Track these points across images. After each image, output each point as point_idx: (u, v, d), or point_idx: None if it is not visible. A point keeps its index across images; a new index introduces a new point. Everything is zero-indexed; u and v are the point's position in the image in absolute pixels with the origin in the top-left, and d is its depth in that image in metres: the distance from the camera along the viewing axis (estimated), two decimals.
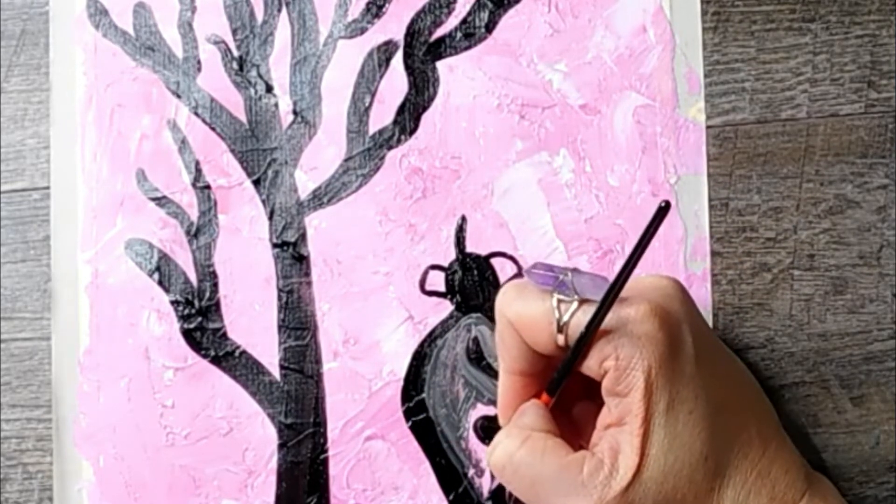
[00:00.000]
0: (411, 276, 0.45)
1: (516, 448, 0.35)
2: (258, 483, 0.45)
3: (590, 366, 0.34)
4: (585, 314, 0.34)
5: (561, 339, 0.34)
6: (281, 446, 0.45)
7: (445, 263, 0.45)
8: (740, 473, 0.34)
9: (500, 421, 0.38)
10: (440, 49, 0.46)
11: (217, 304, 0.46)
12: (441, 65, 0.46)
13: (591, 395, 0.37)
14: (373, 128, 0.46)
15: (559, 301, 0.34)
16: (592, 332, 0.33)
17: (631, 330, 0.33)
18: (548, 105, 0.46)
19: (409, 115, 0.46)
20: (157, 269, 0.46)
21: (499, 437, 0.36)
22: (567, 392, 0.36)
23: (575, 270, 0.35)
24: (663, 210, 0.32)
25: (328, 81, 0.46)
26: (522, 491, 0.36)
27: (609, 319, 0.33)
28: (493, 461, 0.36)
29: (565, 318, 0.34)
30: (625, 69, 0.45)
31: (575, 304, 0.34)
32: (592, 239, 0.45)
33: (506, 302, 0.36)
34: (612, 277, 0.34)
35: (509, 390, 0.37)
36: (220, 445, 0.45)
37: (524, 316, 0.35)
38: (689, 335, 0.34)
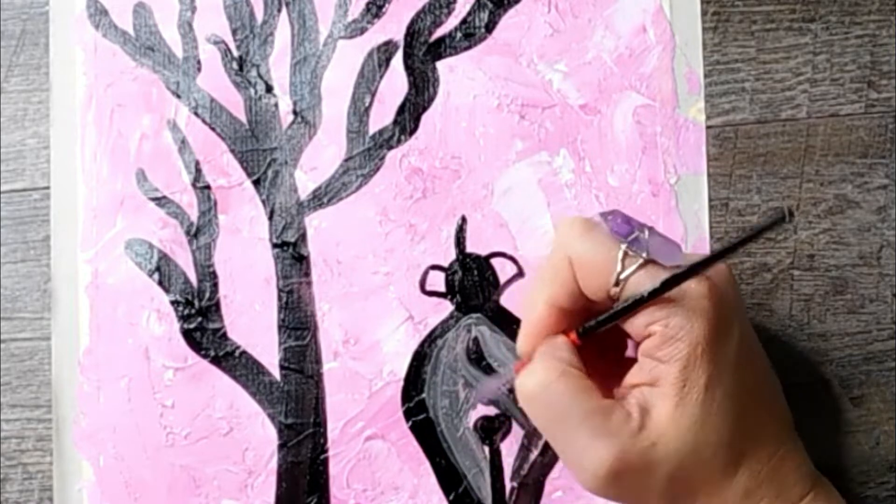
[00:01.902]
0: (411, 276, 0.45)
1: (553, 380, 0.34)
2: (258, 483, 0.45)
3: (635, 325, 0.34)
4: (647, 275, 0.33)
5: (615, 290, 0.34)
6: (281, 446, 0.45)
7: (445, 263, 0.45)
8: (755, 465, 0.34)
9: (520, 347, 0.37)
10: (440, 49, 0.46)
11: (217, 304, 0.46)
12: (441, 65, 0.46)
13: (612, 345, 0.37)
14: (373, 128, 0.46)
15: (626, 254, 0.34)
16: (652, 298, 0.33)
17: (687, 302, 0.33)
18: (548, 105, 0.46)
19: (409, 115, 0.46)
20: (157, 269, 0.46)
21: (534, 367, 0.35)
22: (589, 338, 0.36)
23: (651, 229, 0.34)
24: (782, 220, 0.32)
25: (328, 81, 0.46)
26: (546, 423, 0.35)
27: None
28: (527, 389, 0.35)
29: (626, 273, 0.34)
30: (625, 69, 0.45)
31: (639, 263, 0.34)
32: None
33: (571, 236, 0.35)
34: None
35: (540, 320, 0.36)
36: (220, 445, 0.45)
37: (586, 257, 0.34)
38: (736, 323, 0.34)
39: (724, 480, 0.34)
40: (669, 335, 0.33)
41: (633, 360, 0.36)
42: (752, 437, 0.35)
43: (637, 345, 0.35)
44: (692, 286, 0.33)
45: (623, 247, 0.34)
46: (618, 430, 0.33)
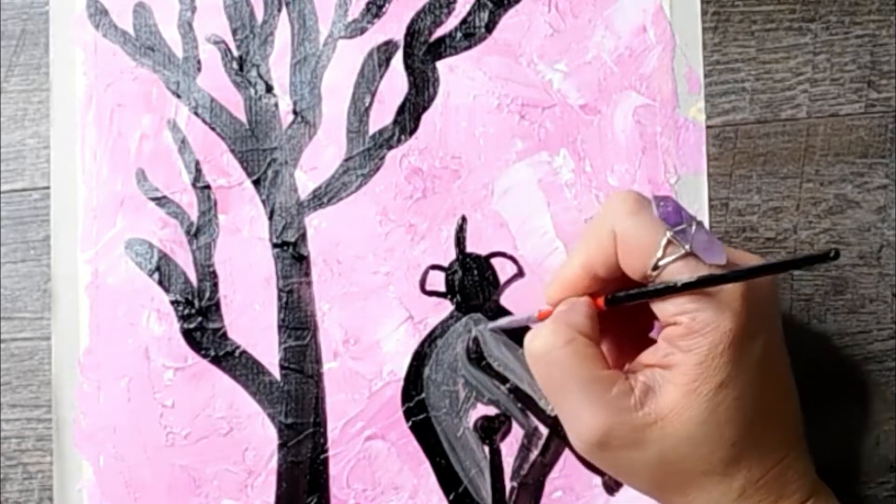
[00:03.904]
0: (411, 276, 0.45)
1: (559, 346, 0.35)
2: (258, 483, 0.45)
3: (664, 309, 0.34)
4: (685, 267, 0.34)
5: (652, 274, 0.34)
6: (281, 446, 0.45)
7: (445, 263, 0.45)
8: (757, 469, 0.34)
9: (547, 295, 0.38)
10: (440, 49, 0.46)
11: (217, 304, 0.46)
12: (441, 65, 0.46)
13: (633, 323, 0.37)
14: (373, 128, 0.46)
15: (669, 242, 0.34)
16: (685, 290, 0.34)
17: (719, 300, 0.33)
18: (548, 105, 0.46)
19: (409, 115, 0.46)
20: (157, 269, 0.46)
21: (544, 328, 0.36)
22: (615, 309, 0.36)
23: (699, 224, 0.35)
24: (829, 258, 0.32)
25: (328, 81, 0.46)
26: (547, 384, 0.36)
27: None
28: (532, 349, 0.36)
29: (665, 261, 0.34)
30: (625, 69, 0.45)
31: (681, 252, 0.34)
32: None
33: (620, 212, 0.36)
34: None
35: (571, 280, 0.37)
36: (220, 445, 0.45)
37: (630, 234, 0.35)
38: (765, 331, 0.34)
39: (720, 479, 0.34)
40: (695, 328, 0.34)
41: (654, 341, 0.36)
42: (758, 443, 0.35)
43: (662, 328, 0.35)
44: (729, 286, 0.34)
45: (668, 234, 0.34)
46: (615, 401, 0.34)
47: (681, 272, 0.34)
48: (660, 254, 0.34)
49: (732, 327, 0.33)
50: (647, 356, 0.36)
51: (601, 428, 0.34)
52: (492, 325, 0.44)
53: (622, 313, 0.37)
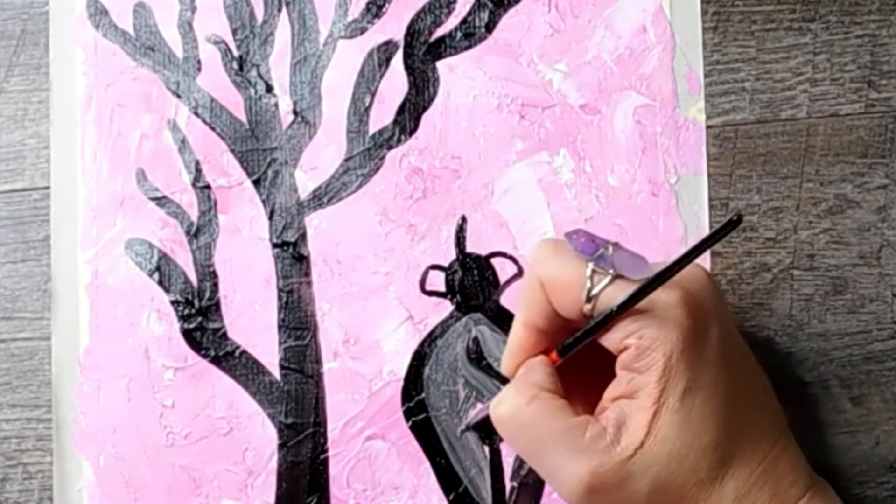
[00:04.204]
0: (411, 276, 0.45)
1: (523, 405, 0.35)
2: (258, 483, 0.45)
3: (611, 339, 0.34)
4: (616, 290, 0.34)
5: (587, 308, 0.34)
6: (281, 446, 0.45)
7: (445, 263, 0.45)
8: (746, 467, 0.34)
9: (503, 369, 0.38)
10: (440, 49, 0.46)
11: (217, 304, 0.46)
12: (441, 65, 0.46)
13: (597, 362, 0.37)
14: (373, 128, 0.46)
15: (593, 271, 0.34)
16: (623, 312, 0.34)
17: (659, 313, 0.34)
18: (548, 105, 0.46)
19: (409, 115, 0.46)
20: (157, 269, 0.46)
21: (506, 392, 0.36)
22: (574, 355, 0.36)
23: (616, 245, 0.35)
24: (734, 223, 0.32)
25: (328, 81, 0.46)
26: (522, 446, 0.36)
27: None
28: (498, 414, 0.36)
29: (596, 290, 0.34)
30: (625, 69, 0.45)
31: (608, 279, 0.34)
32: None
33: (540, 259, 0.36)
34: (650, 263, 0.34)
35: (520, 343, 0.37)
36: (220, 445, 0.45)
37: (555, 278, 0.35)
38: (715, 327, 0.34)
39: (711, 485, 0.34)
40: (644, 346, 0.34)
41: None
42: (740, 438, 0.34)
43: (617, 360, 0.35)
44: (662, 296, 0.34)
45: (590, 265, 0.34)
46: (592, 446, 0.34)
47: (613, 297, 0.34)
48: (588, 285, 0.34)
49: (680, 333, 0.33)
50: (611, 391, 0.35)
51: (585, 475, 0.34)
52: (467, 423, 0.44)
53: (581, 359, 0.37)
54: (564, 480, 0.34)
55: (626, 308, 0.34)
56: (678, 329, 0.33)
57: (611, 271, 0.34)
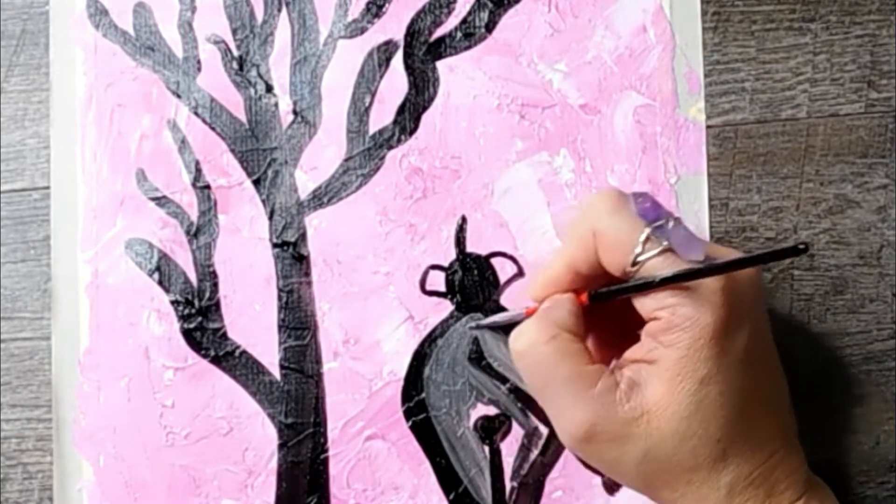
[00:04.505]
0: (411, 276, 0.45)
1: (542, 342, 0.35)
2: (258, 483, 0.45)
3: (645, 304, 0.35)
4: (664, 262, 0.34)
5: (631, 270, 0.35)
6: (281, 446, 0.45)
7: (445, 263, 0.45)
8: (745, 466, 0.34)
9: (531, 293, 0.38)
10: (440, 49, 0.46)
11: (217, 304, 0.46)
12: (441, 65, 0.46)
13: (622, 318, 0.37)
14: (373, 128, 0.46)
15: (647, 238, 0.34)
16: (663, 286, 0.34)
17: (699, 294, 0.34)
18: (548, 105, 0.46)
19: (409, 115, 0.46)
20: (157, 269, 0.46)
21: (528, 326, 0.36)
22: (600, 305, 0.37)
23: (677, 220, 0.35)
24: (801, 251, 0.32)
25: (328, 81, 0.46)
26: (532, 381, 0.36)
27: None
28: (515, 346, 0.36)
29: (644, 257, 0.34)
30: (625, 69, 0.45)
31: (659, 249, 0.34)
32: None
33: (599, 211, 0.36)
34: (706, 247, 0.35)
35: (555, 277, 0.37)
36: (220, 445, 0.45)
37: (609, 233, 0.35)
38: (748, 324, 0.34)
39: (708, 474, 0.34)
40: (675, 323, 0.34)
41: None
42: (745, 438, 0.34)
43: (646, 323, 0.35)
44: (707, 279, 0.34)
45: (647, 231, 0.34)
46: (600, 396, 0.34)
47: (660, 268, 0.34)
48: (639, 249, 0.34)
49: (712, 321, 0.33)
50: (632, 352, 0.36)
51: (586, 422, 0.34)
52: (479, 322, 0.44)
53: (608, 310, 0.38)
54: (566, 423, 0.35)
55: (666, 283, 0.34)
56: (713, 315, 0.33)
57: (664, 243, 0.34)
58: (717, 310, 0.34)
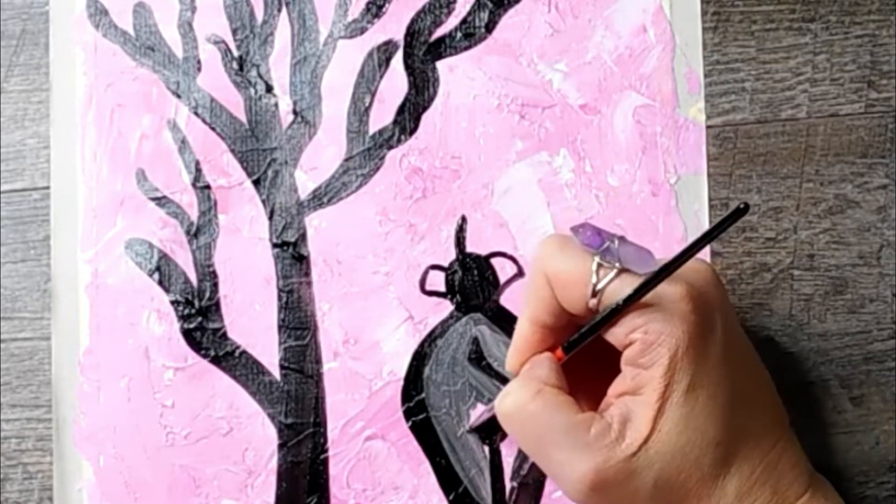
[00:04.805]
0: (411, 276, 0.45)
1: (528, 400, 0.35)
2: (258, 483, 0.45)
3: (616, 334, 0.34)
4: (622, 284, 0.34)
5: (593, 302, 0.34)
6: (281, 446, 0.45)
7: (445, 263, 0.45)
8: (748, 465, 0.34)
9: (508, 365, 0.38)
10: (440, 49, 0.46)
11: (217, 304, 0.46)
12: (441, 65, 0.46)
13: (601, 359, 0.37)
14: (373, 128, 0.46)
15: (599, 265, 0.34)
16: (629, 305, 0.33)
17: (665, 307, 0.33)
18: (548, 105, 0.46)
19: (409, 115, 0.46)
20: (157, 269, 0.46)
21: (511, 386, 0.36)
22: (579, 352, 0.36)
23: (622, 239, 0.35)
24: (741, 211, 0.32)
25: (328, 81, 0.46)
26: (526, 442, 0.36)
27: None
28: (503, 409, 0.36)
29: (601, 284, 0.34)
30: (625, 69, 0.45)
31: (614, 273, 0.34)
32: None
33: (546, 254, 0.36)
34: (657, 256, 0.34)
35: (525, 339, 0.37)
36: (220, 445, 0.45)
37: (561, 272, 0.35)
38: (720, 322, 0.34)
39: (714, 482, 0.34)
40: (650, 341, 0.33)
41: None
42: (742, 435, 0.34)
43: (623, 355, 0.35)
44: (668, 291, 0.34)
45: (596, 258, 0.34)
46: (596, 442, 0.34)
47: (620, 292, 0.34)
48: (594, 279, 0.34)
49: (686, 328, 0.33)
50: (615, 387, 0.35)
51: (589, 472, 0.34)
52: (468, 426, 0.44)
53: (587, 356, 0.37)
54: (568, 477, 0.34)
55: (631, 302, 0.33)
56: (684, 323, 0.33)
57: (617, 265, 0.34)
58: (688, 316, 0.33)
